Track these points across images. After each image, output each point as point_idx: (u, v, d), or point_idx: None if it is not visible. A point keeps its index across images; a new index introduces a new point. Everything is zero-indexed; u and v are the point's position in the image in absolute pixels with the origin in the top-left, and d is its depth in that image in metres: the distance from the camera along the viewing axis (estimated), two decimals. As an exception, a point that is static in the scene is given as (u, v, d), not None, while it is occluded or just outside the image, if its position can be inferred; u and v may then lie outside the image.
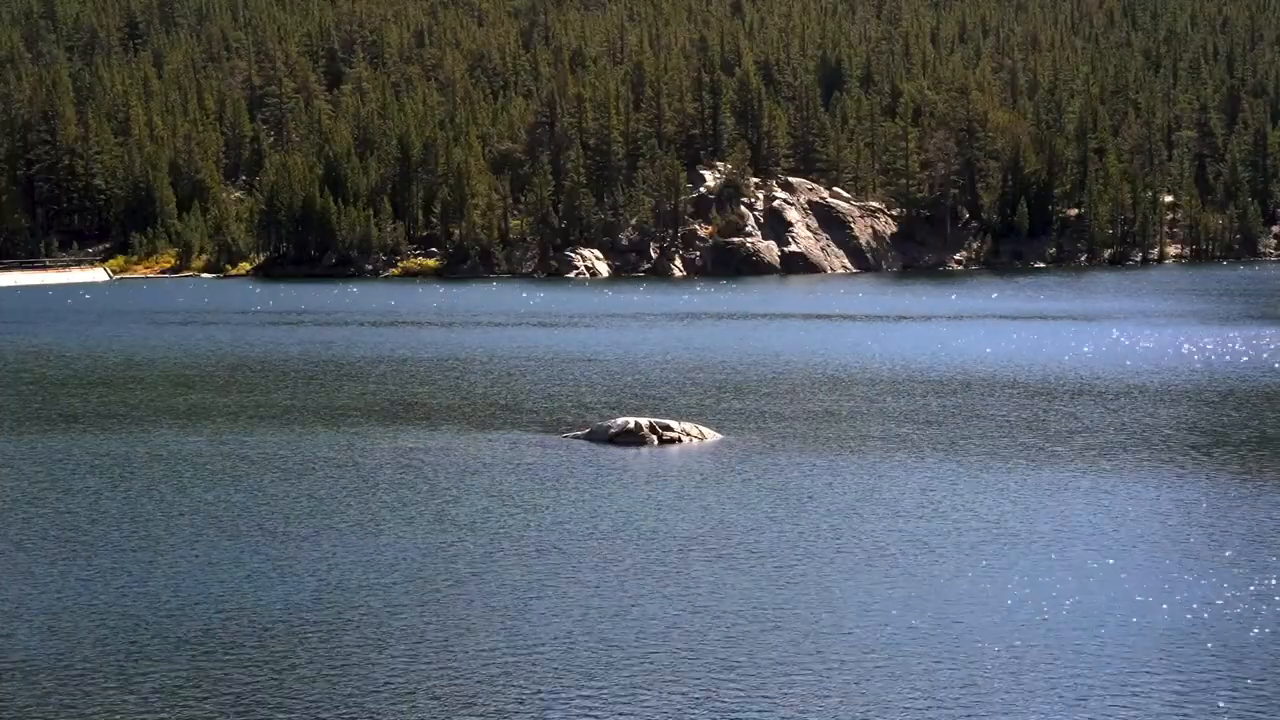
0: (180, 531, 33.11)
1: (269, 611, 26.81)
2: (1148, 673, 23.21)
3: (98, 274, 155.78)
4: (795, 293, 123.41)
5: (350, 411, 51.88)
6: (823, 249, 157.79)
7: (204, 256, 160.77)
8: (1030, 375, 60.22)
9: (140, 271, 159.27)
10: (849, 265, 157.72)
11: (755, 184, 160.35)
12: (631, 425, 44.44)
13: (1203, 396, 53.48)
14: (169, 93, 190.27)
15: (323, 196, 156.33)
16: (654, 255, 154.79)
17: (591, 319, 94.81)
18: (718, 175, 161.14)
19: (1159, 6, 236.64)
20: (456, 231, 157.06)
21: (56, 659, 24.27)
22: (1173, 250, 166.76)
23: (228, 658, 24.26)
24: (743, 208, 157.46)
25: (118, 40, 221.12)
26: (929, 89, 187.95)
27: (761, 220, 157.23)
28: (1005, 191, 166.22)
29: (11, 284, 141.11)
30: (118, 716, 21.84)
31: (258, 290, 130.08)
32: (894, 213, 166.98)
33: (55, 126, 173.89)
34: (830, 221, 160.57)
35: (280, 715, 21.83)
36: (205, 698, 22.49)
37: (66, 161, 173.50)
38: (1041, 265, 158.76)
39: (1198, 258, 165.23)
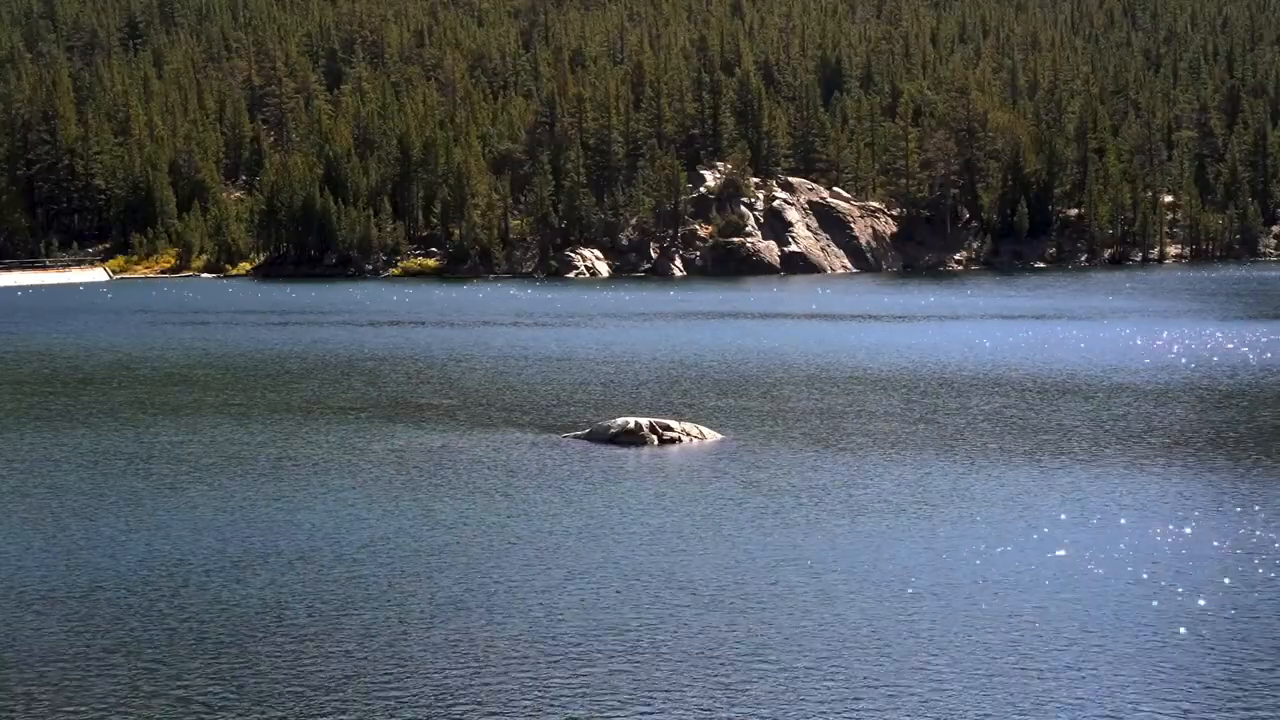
0: (166, 525, 33.09)
1: (252, 605, 26.80)
2: (1143, 669, 23.24)
3: (98, 274, 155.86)
4: (795, 293, 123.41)
5: (347, 410, 51.86)
6: (823, 249, 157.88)
7: (204, 256, 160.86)
8: (1028, 374, 60.22)
9: (140, 271, 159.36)
10: (849, 265, 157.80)
11: (755, 184, 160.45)
12: (631, 425, 44.42)
13: (1196, 395, 53.53)
14: (169, 93, 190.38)
15: (323, 196, 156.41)
16: (654, 255, 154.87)
17: (591, 319, 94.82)
18: (718, 175, 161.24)
19: (1159, 6, 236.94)
20: (456, 231, 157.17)
21: (31, 651, 24.28)
22: (1173, 250, 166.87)
23: (200, 648, 24.25)
24: (743, 208, 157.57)
25: (118, 40, 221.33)
26: (929, 89, 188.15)
27: (761, 220, 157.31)
28: (1005, 191, 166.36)
29: (11, 284, 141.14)
30: (102, 707, 21.85)
31: (258, 291, 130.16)
32: (894, 213, 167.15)
33: (55, 126, 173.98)
34: (830, 221, 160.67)
35: (255, 704, 21.82)
36: (183, 689, 22.49)
37: (66, 161, 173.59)
38: (1042, 265, 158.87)
39: (1198, 258, 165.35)
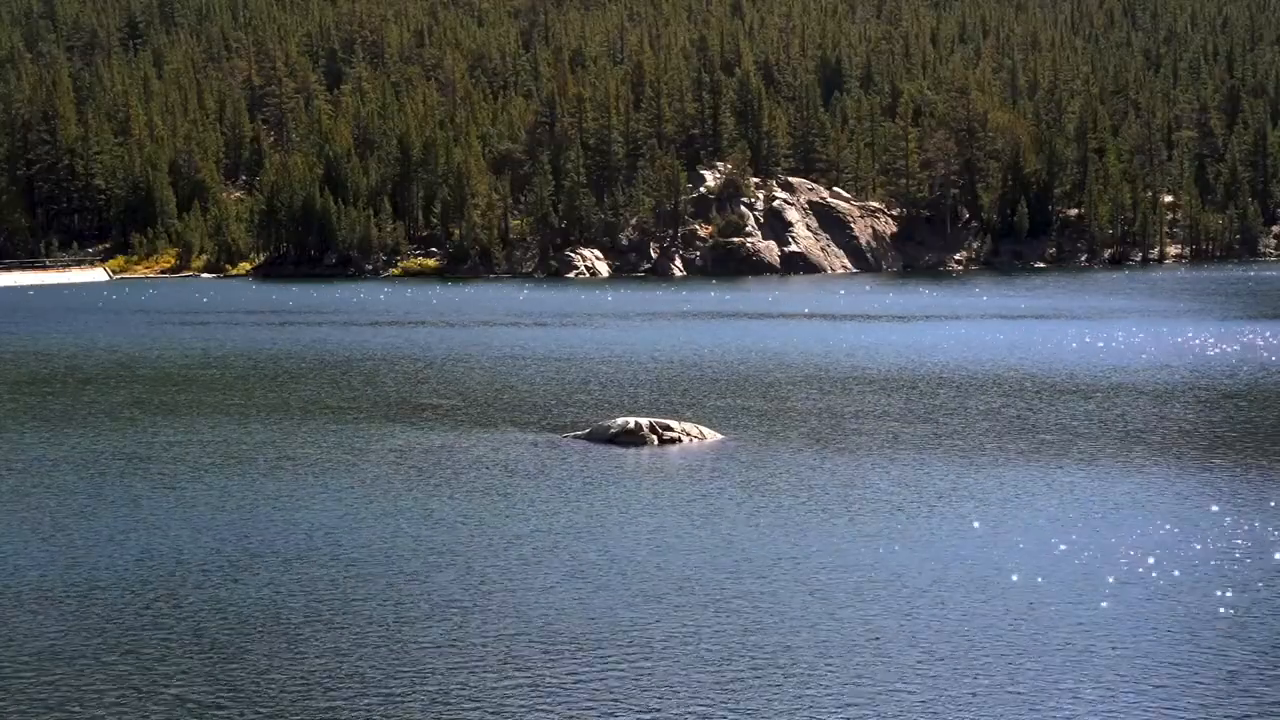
0: (164, 525, 33.06)
1: (250, 604, 26.78)
2: (1141, 668, 23.21)
3: (98, 274, 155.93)
4: (795, 293, 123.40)
5: (346, 410, 51.83)
6: (823, 249, 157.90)
7: (204, 256, 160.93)
8: (1028, 373, 60.21)
9: (140, 271, 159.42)
10: (849, 265, 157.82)
11: (755, 184, 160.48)
12: (631, 425, 44.37)
13: (1196, 395, 53.53)
14: (169, 93, 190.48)
15: (323, 196, 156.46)
16: (654, 255, 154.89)
17: (591, 319, 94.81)
18: (718, 175, 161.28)
19: (1159, 6, 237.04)
20: (456, 231, 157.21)
21: (28, 651, 24.27)
22: (1173, 250, 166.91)
23: (197, 648, 24.24)
24: (743, 208, 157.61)
25: (118, 40, 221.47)
26: (929, 89, 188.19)
27: (761, 220, 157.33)
28: (1005, 191, 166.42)
29: (11, 284, 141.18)
30: (98, 706, 21.84)
31: (258, 291, 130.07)
32: (894, 213, 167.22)
33: (55, 126, 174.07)
34: (830, 221, 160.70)
35: (251, 704, 21.82)
36: (180, 688, 22.48)
37: (66, 161, 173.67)
38: (1042, 265, 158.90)
39: (1198, 258, 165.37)
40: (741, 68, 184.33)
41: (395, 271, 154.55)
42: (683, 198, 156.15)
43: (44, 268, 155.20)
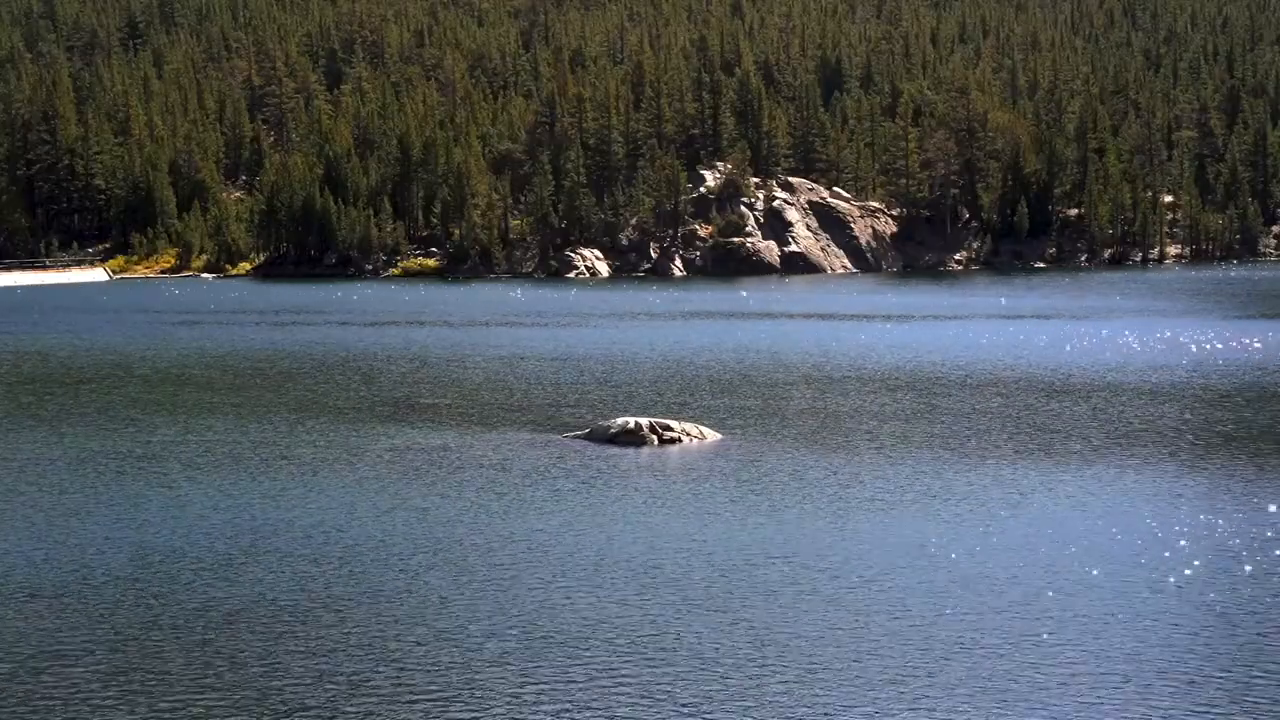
0: (160, 524, 33.04)
1: (245, 603, 26.76)
2: (1137, 667, 23.19)
3: (98, 274, 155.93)
4: (795, 293, 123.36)
5: (345, 410, 51.81)
6: (823, 249, 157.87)
7: (204, 256, 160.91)
8: (1028, 374, 60.19)
9: (140, 271, 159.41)
10: (849, 265, 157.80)
11: (755, 184, 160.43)
12: (631, 425, 44.35)
13: (1194, 394, 53.51)
14: (169, 93, 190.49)
15: (323, 196, 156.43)
16: (654, 255, 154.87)
17: (591, 319, 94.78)
18: (718, 175, 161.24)
19: (1159, 6, 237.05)
20: (456, 231, 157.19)
21: (20, 649, 24.26)
22: (1173, 250, 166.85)
23: (192, 646, 24.21)
24: (743, 208, 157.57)
25: (118, 40, 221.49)
26: (929, 89, 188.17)
27: (761, 220, 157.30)
28: (1005, 191, 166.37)
29: (11, 284, 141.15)
30: (90, 704, 21.82)
31: (257, 291, 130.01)
32: (894, 213, 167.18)
33: (55, 126, 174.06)
34: (830, 221, 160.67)
35: (245, 702, 21.80)
36: (173, 686, 22.47)
37: (66, 161, 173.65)
38: (1042, 265, 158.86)
39: (1198, 258, 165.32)
40: (741, 68, 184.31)
41: (395, 271, 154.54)
42: (683, 198, 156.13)
43: (44, 268, 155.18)
